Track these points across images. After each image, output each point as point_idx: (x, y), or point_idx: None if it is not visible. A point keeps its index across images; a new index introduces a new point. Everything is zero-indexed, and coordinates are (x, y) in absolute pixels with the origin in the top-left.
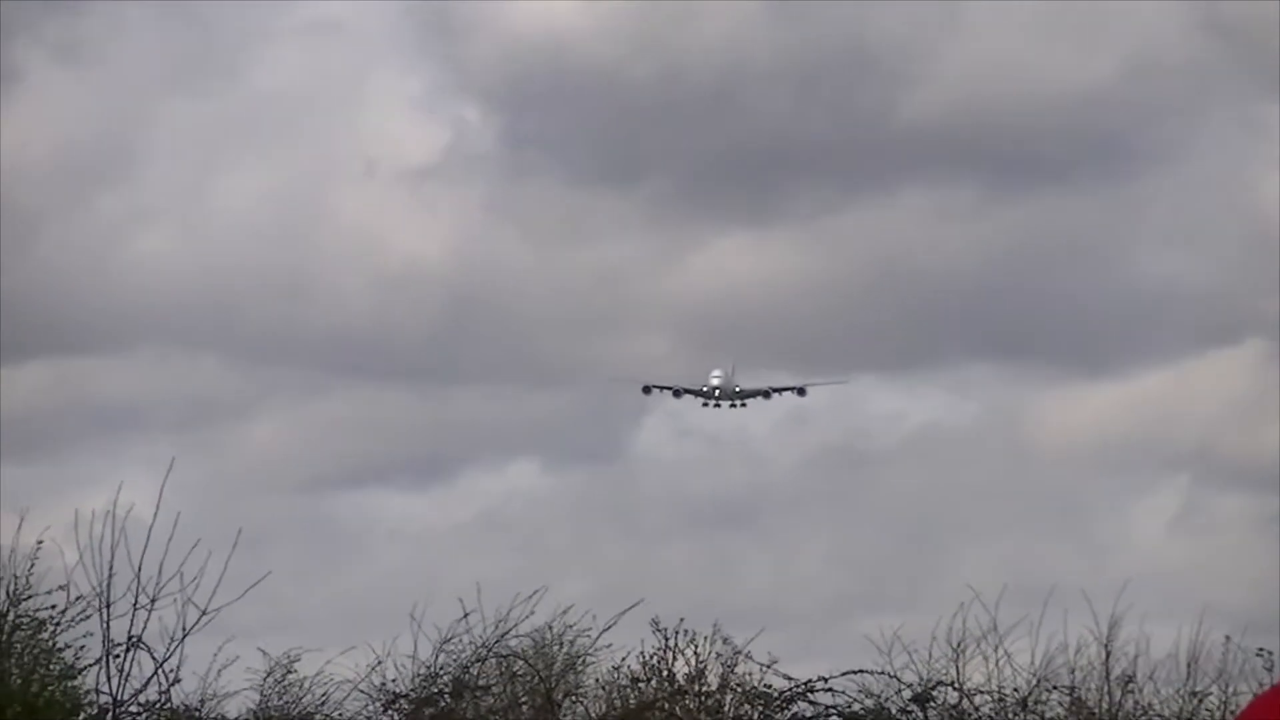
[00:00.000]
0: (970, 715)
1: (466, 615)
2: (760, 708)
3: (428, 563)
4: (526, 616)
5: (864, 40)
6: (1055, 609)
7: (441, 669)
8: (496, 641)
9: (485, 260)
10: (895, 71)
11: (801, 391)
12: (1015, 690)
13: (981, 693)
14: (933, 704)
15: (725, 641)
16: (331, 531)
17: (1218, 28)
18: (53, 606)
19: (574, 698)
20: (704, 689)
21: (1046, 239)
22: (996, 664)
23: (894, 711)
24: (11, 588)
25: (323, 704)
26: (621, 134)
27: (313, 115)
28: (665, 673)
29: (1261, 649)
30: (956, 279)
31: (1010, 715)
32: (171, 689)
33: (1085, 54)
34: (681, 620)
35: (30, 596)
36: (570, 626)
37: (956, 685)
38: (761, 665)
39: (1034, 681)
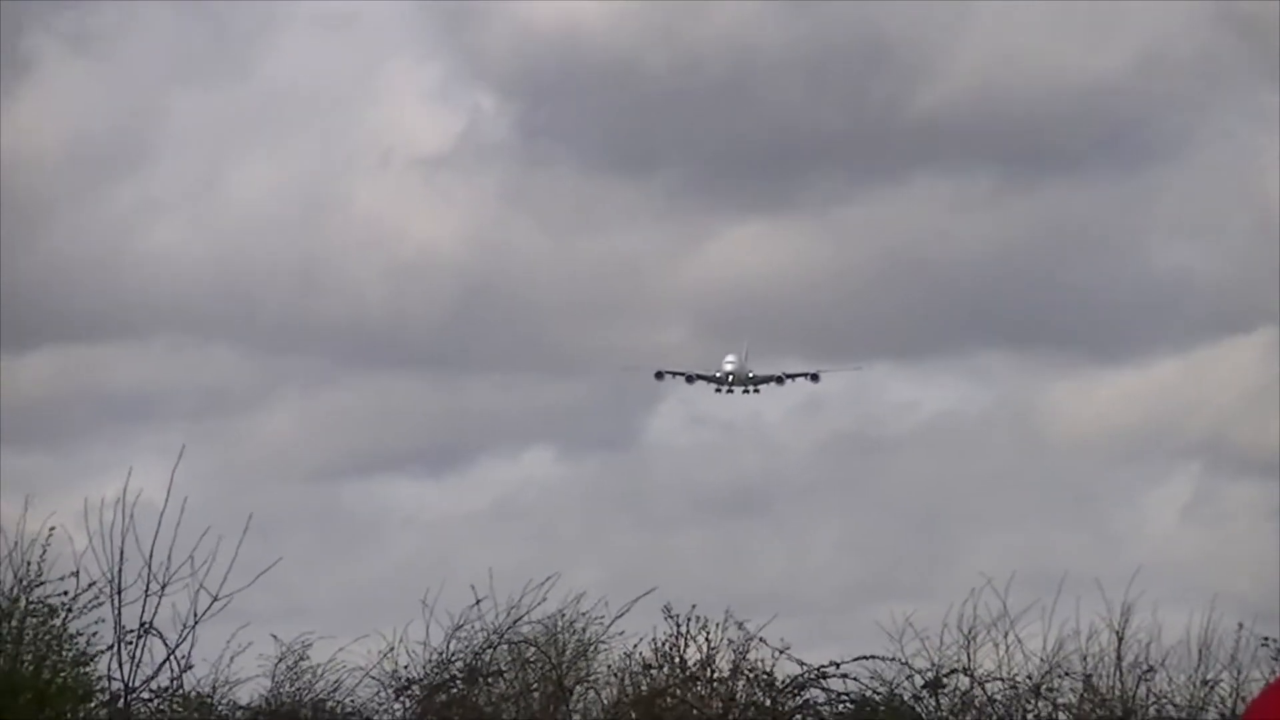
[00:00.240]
0: (981, 702)
1: (479, 602)
2: (772, 694)
3: (441, 550)
4: (539, 603)
5: (876, 31)
6: (1067, 596)
7: (453, 656)
8: (508, 628)
9: (499, 249)
10: (908, 62)
11: (815, 377)
12: (1028, 677)
13: (993, 679)
14: (944, 690)
15: (738, 628)
16: (345, 519)
17: (1229, 20)
18: (64, 593)
19: (585, 684)
20: (715, 675)
21: (1058, 229)
22: (1008, 650)
23: (906, 698)
24: (23, 575)
25: (335, 691)
26: (635, 124)
27: (326, 105)
28: (677, 659)
29: (1267, 638)
30: (969, 268)
31: (1022, 702)
32: (183, 675)
33: (1097, 46)
34: (693, 607)
35: (41, 583)
36: (582, 614)
37: (968, 672)
38: (773, 651)
39: (1046, 668)
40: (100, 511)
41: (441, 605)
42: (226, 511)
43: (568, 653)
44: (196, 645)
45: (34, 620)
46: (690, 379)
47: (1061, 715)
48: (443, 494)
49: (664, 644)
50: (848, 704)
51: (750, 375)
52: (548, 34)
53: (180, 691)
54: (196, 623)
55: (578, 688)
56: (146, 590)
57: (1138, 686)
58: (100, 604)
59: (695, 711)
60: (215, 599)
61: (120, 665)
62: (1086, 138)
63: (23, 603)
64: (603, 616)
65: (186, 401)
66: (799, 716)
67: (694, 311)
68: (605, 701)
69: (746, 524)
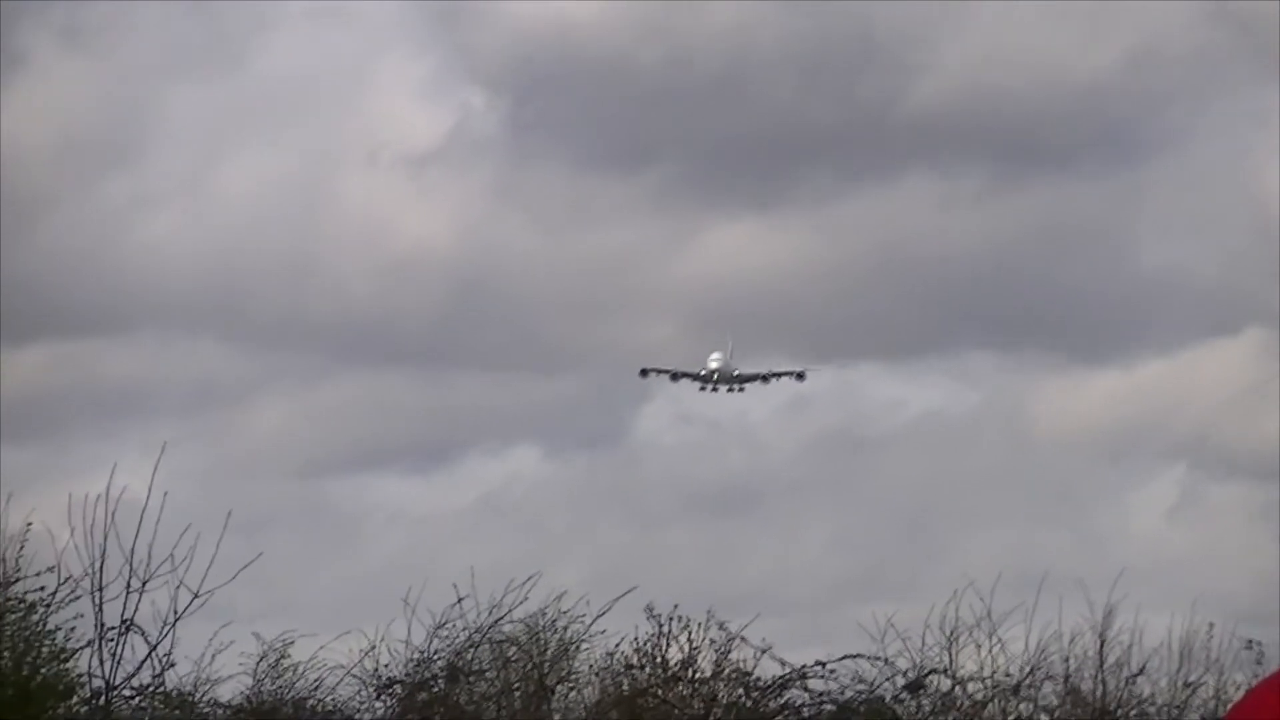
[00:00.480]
0: (962, 702)
1: (460, 601)
2: (753, 694)
3: (426, 548)
4: (521, 602)
5: (870, 27)
6: (1050, 597)
7: (435, 654)
8: (490, 627)
9: (489, 245)
10: (901, 59)
11: (801, 376)
12: (1007, 675)
13: (974, 680)
14: (925, 691)
15: (719, 628)
16: (331, 516)
17: (1223, 16)
18: (41, 589)
19: (567, 684)
20: (697, 675)
21: (1049, 227)
22: (990, 652)
23: (887, 699)
24: (1, 570)
25: (316, 689)
26: (627, 119)
27: (317, 100)
28: (659, 659)
29: (1251, 641)
30: (959, 266)
31: (1002, 703)
32: (165, 672)
33: (1089, 42)
34: (675, 606)
35: (19, 579)
36: (564, 612)
37: (949, 673)
38: (755, 651)
39: (1027, 669)
40: (84, 507)
41: (424, 604)
42: (213, 507)
43: (549, 652)
44: (178, 643)
45: (13, 616)
46: (675, 376)
47: (1043, 717)
48: (430, 491)
49: (646, 644)
50: (829, 704)
51: (735, 373)
52: (539, 29)
53: (162, 689)
54: (177, 619)
55: (559, 687)
56: (128, 587)
57: (1120, 689)
58: (78, 598)
59: (676, 711)
60: (196, 595)
61: (101, 662)
62: (1078, 135)
63: (0, 598)
64: (584, 615)
65: (174, 396)
66: (780, 717)
67: (683, 308)
68: (587, 701)
69: (732, 522)
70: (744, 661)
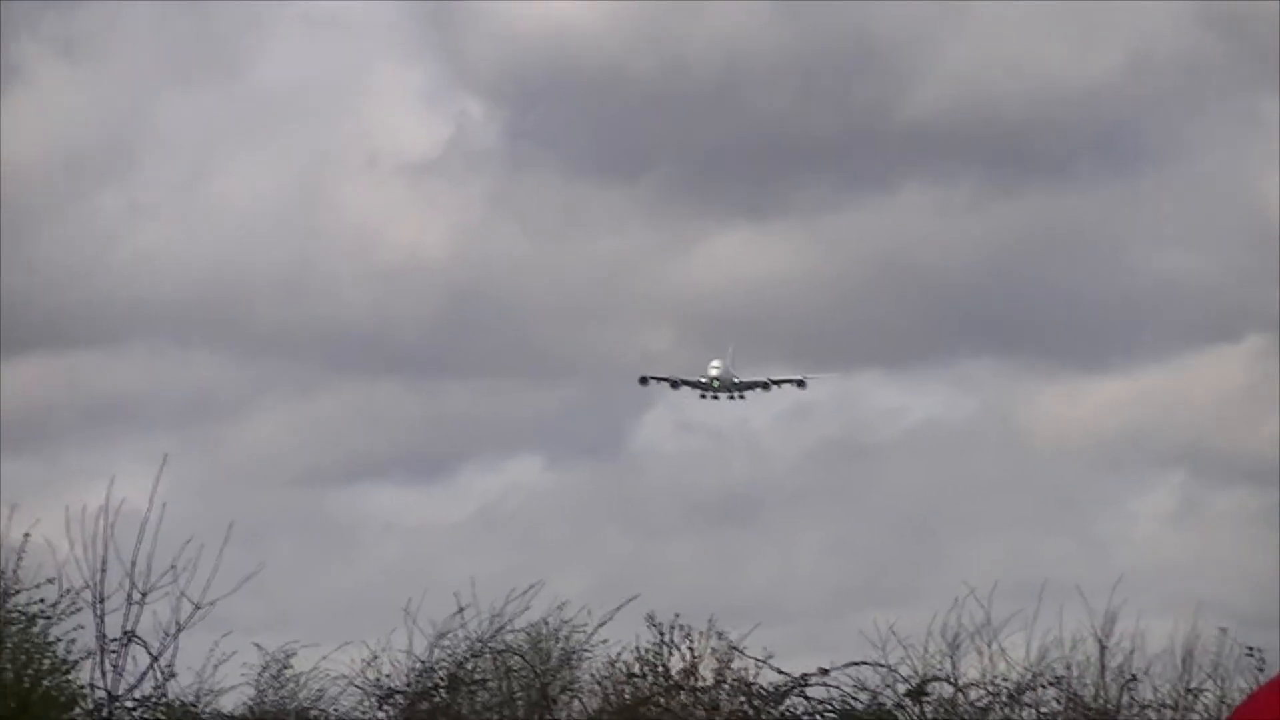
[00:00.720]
0: (964, 709)
1: (462, 610)
2: (755, 702)
3: (425, 559)
4: (522, 612)
5: (866, 36)
6: (1051, 604)
7: (437, 664)
8: (492, 637)
9: (485, 254)
10: (896, 67)
11: (801, 383)
12: (1004, 680)
13: (976, 686)
14: (927, 698)
15: (720, 637)
16: (329, 527)
17: (1218, 22)
18: (42, 600)
19: (569, 693)
20: (699, 684)
21: (1046, 234)
22: (991, 658)
23: (889, 706)
24: (1, 582)
25: (318, 699)
26: (623, 128)
27: (313, 109)
28: (660, 668)
29: (1251, 648)
30: (956, 274)
31: (1003, 710)
32: (167, 683)
33: (1086, 49)
34: (677, 615)
35: (19, 591)
36: (566, 622)
37: (951, 680)
38: (756, 660)
39: (1028, 676)
40: (83, 519)
41: (425, 614)
42: (210, 518)
43: (551, 661)
44: (179, 654)
45: (14, 628)
46: (675, 384)
47: None
48: (427, 501)
49: (647, 652)
50: (830, 712)
51: (736, 381)
52: (535, 38)
53: (164, 700)
54: (179, 631)
55: (561, 696)
56: (129, 598)
57: (1121, 694)
58: (79, 610)
59: None
60: (198, 607)
61: (103, 674)
62: (1074, 142)
63: (1, 610)
64: (586, 625)
65: (171, 407)
66: None
67: (681, 316)
68: (589, 710)
69: (733, 531)
70: (745, 670)
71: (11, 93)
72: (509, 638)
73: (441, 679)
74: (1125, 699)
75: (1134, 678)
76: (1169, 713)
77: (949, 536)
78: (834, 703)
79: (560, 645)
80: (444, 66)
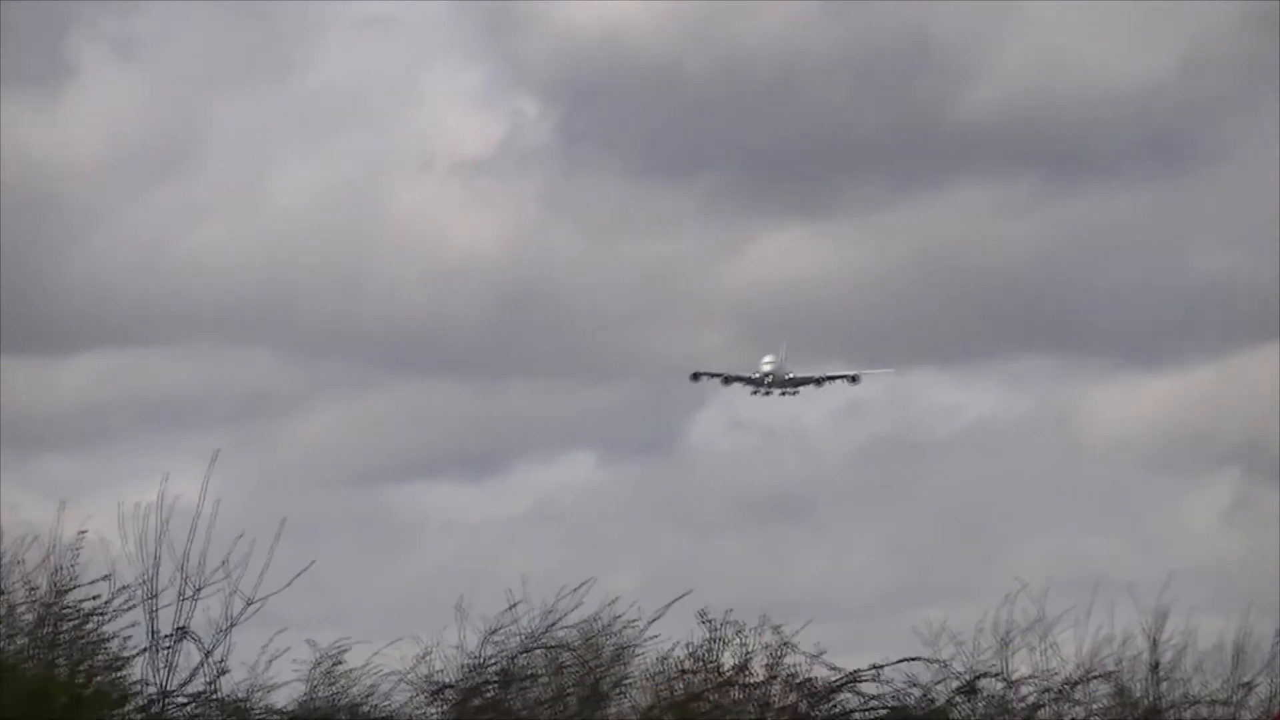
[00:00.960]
0: (1015, 705)
1: (514, 606)
2: (807, 698)
3: (478, 555)
4: (574, 608)
5: (921, 35)
6: (1103, 601)
7: (489, 660)
8: (544, 632)
9: (540, 253)
10: (951, 67)
11: (854, 379)
12: (1059, 678)
13: (1027, 682)
14: (979, 694)
15: (773, 632)
16: (383, 524)
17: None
18: (95, 597)
19: (621, 688)
20: (750, 680)
21: (1099, 233)
22: (1042, 654)
23: (940, 702)
24: (56, 578)
25: (370, 695)
26: (678, 128)
27: (369, 110)
28: (712, 664)
29: None
30: (1009, 272)
31: (1054, 705)
32: (219, 679)
33: (1141, 50)
34: (729, 611)
35: (75, 587)
36: (618, 618)
37: (1003, 676)
38: (808, 656)
39: (1079, 672)
40: (136, 516)
41: (477, 610)
42: (264, 515)
43: (603, 657)
44: (232, 650)
45: (69, 624)
46: (727, 380)
47: (1096, 719)
48: (481, 498)
49: (699, 648)
50: (882, 708)
51: (788, 376)
52: (590, 37)
53: (216, 696)
54: (231, 626)
55: (613, 692)
56: (181, 594)
57: (1171, 690)
58: (132, 606)
59: (730, 716)
60: (250, 603)
61: (155, 670)
62: (1129, 143)
63: (56, 607)
64: (638, 621)
65: (227, 405)
66: None
67: (734, 315)
68: (640, 706)
69: (786, 528)
70: (797, 666)
71: (70, 93)
72: (561, 633)
73: (493, 675)
74: (1176, 694)
75: (1171, 672)
76: (1220, 708)
77: (1001, 534)
78: (886, 699)
79: (612, 641)
80: (498, 66)
